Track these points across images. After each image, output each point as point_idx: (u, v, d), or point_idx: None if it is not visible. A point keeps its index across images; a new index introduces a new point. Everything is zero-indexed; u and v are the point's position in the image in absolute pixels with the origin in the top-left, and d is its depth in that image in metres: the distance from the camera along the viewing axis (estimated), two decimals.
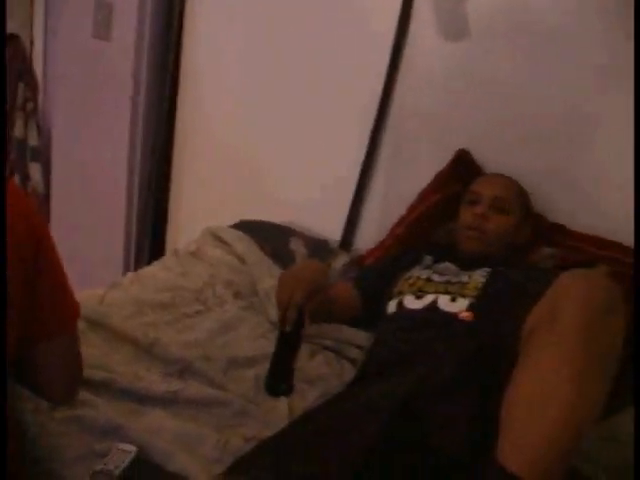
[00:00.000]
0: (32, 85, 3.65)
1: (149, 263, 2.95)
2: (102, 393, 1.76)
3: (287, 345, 1.83)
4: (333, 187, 2.82)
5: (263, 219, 2.84)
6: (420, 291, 2.02)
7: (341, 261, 2.61)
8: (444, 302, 1.93)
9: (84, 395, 1.72)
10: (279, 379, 1.81)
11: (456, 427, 1.43)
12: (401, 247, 2.45)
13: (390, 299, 2.09)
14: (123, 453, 1.56)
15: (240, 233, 2.69)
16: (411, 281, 2.09)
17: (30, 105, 3.63)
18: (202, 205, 3.23)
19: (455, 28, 2.47)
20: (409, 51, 2.57)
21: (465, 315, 1.87)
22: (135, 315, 2.10)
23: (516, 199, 2.23)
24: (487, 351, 1.55)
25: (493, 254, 2.16)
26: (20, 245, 1.24)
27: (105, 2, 3.07)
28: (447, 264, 2.15)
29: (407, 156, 2.66)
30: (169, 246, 3.38)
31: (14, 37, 3.59)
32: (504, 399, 1.38)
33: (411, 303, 1.99)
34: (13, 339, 1.27)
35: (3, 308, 1.20)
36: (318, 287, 1.92)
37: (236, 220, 2.85)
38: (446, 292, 1.97)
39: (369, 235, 2.74)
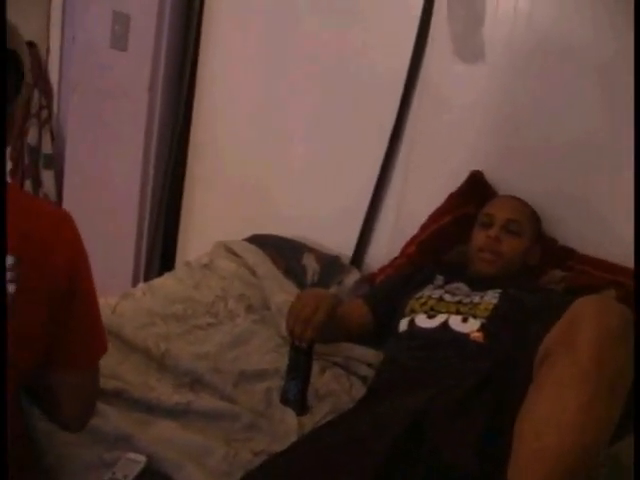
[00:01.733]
0: (47, 93, 3.67)
1: (159, 274, 2.96)
2: (113, 402, 1.77)
3: (303, 358, 1.84)
4: (346, 204, 2.82)
5: (275, 234, 2.85)
6: (432, 310, 2.02)
7: (352, 278, 2.62)
8: (456, 322, 1.94)
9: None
10: (296, 392, 1.82)
11: (468, 444, 1.43)
12: (412, 266, 2.45)
13: (401, 317, 2.09)
14: (132, 463, 1.57)
15: (253, 247, 2.70)
16: (423, 300, 2.10)
17: (44, 113, 3.64)
18: (214, 218, 3.24)
19: (470, 52, 2.48)
20: (425, 73, 2.58)
21: (476, 336, 1.88)
22: (147, 326, 2.11)
23: (528, 222, 2.25)
24: (500, 370, 1.55)
25: (505, 276, 2.17)
26: (57, 271, 1.23)
27: (123, 13, 3.08)
28: (459, 284, 2.16)
29: (420, 176, 2.67)
30: (179, 258, 3.38)
31: (30, 44, 3.61)
32: (517, 418, 1.39)
33: (423, 322, 2.00)
34: (31, 361, 1.26)
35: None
36: (335, 308, 1.94)
37: (247, 234, 2.86)
38: (458, 312, 1.98)
39: (380, 253, 2.75)
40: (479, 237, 2.23)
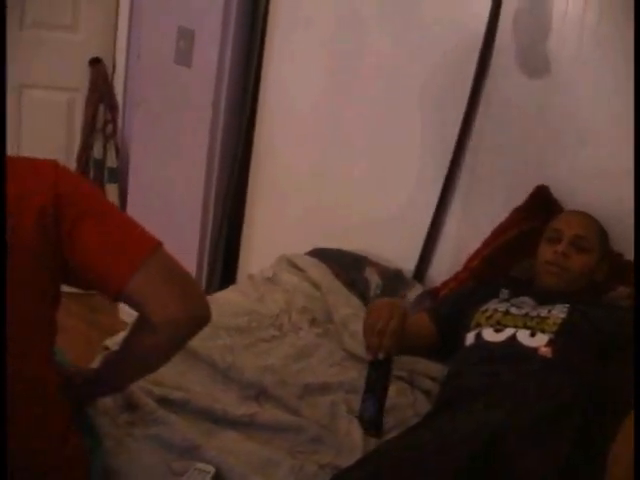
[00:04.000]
0: (112, 108, 3.75)
1: (220, 288, 2.98)
2: (179, 412, 1.79)
3: (380, 373, 1.83)
4: (408, 217, 2.81)
5: (337, 247, 2.85)
6: (499, 324, 2.01)
7: (415, 292, 2.61)
8: (523, 336, 1.92)
9: (161, 413, 1.75)
10: (373, 409, 1.80)
11: (550, 471, 1.39)
12: (476, 280, 2.43)
13: (467, 331, 2.08)
14: (201, 473, 1.58)
15: (315, 260, 2.71)
16: (488, 314, 2.08)
17: (110, 127, 3.72)
18: (275, 232, 3.25)
19: (536, 65, 2.46)
20: (489, 85, 2.57)
21: (545, 351, 1.86)
22: (212, 337, 2.12)
23: (596, 238, 2.22)
24: (590, 395, 1.50)
25: (571, 291, 2.15)
26: (38, 209, 1.29)
27: (187, 29, 3.12)
28: (525, 298, 2.14)
29: (483, 189, 2.65)
30: (241, 272, 3.40)
31: (97, 60, 3.69)
32: (613, 448, 1.33)
33: (490, 336, 1.98)
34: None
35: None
36: (407, 316, 1.94)
37: (309, 248, 2.86)
38: (525, 326, 1.96)
39: (442, 267, 2.73)
40: (547, 252, 2.21)
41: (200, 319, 1.43)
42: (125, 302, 1.39)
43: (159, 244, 1.40)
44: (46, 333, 1.38)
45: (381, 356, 1.82)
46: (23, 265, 1.27)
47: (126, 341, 1.52)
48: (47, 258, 1.31)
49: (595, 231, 2.24)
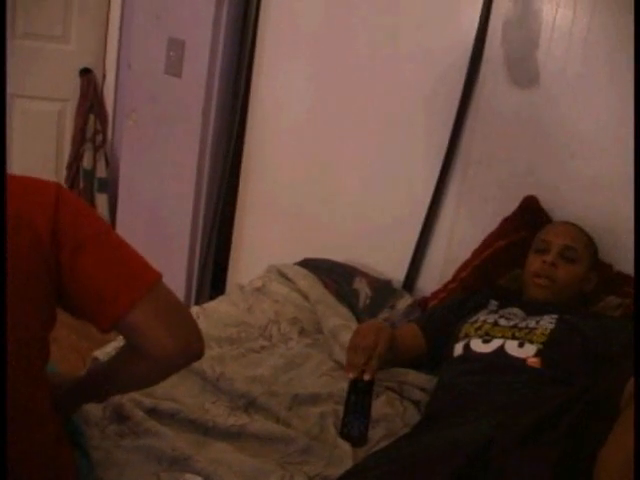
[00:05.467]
0: (102, 118, 3.75)
1: (210, 298, 2.98)
2: (168, 423, 1.79)
3: (366, 395, 1.83)
4: (397, 228, 2.82)
5: (327, 258, 2.85)
6: (487, 335, 2.01)
7: (404, 302, 2.61)
8: (512, 347, 1.92)
9: (150, 424, 1.75)
10: (361, 427, 1.80)
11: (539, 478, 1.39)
12: (465, 290, 2.44)
13: (455, 342, 2.08)
14: None
15: (305, 271, 2.71)
16: (477, 325, 2.08)
17: (100, 137, 3.72)
18: (265, 242, 3.26)
19: (525, 76, 2.48)
20: (478, 96, 2.58)
21: (533, 361, 1.86)
22: None
23: (585, 249, 2.23)
24: (577, 404, 1.50)
25: (560, 301, 2.16)
26: (37, 230, 1.27)
27: (178, 40, 3.13)
28: (513, 309, 2.16)
29: (473, 200, 2.66)
30: (230, 282, 3.40)
31: (87, 71, 3.69)
32: (600, 457, 1.31)
33: (478, 347, 1.98)
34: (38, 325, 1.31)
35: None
36: (394, 339, 1.97)
37: (299, 258, 2.86)
38: (513, 337, 1.96)
39: (432, 277, 2.74)
40: (535, 262, 2.22)
41: (194, 355, 1.43)
42: (118, 332, 1.38)
43: (159, 277, 1.38)
44: (38, 354, 1.37)
45: (367, 377, 1.82)
46: (15, 285, 1.26)
47: (114, 363, 1.51)
48: (42, 280, 1.29)
49: (583, 242, 2.24)
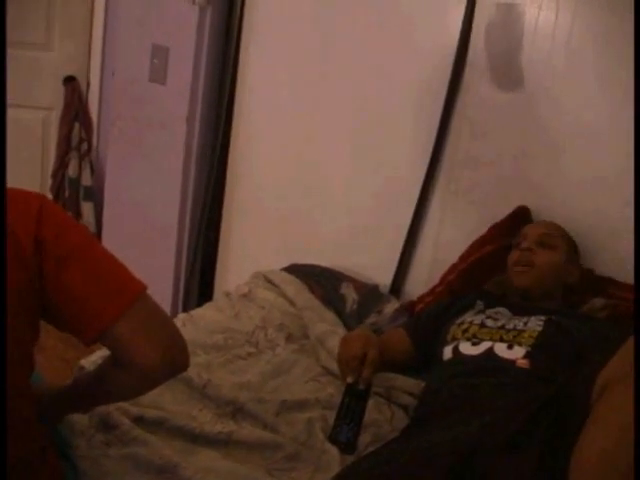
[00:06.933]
0: (87, 126, 3.74)
1: (198, 304, 2.97)
2: (155, 431, 1.78)
3: (361, 401, 1.83)
4: (384, 233, 2.83)
5: (313, 263, 2.85)
6: (475, 337, 2.01)
7: (391, 307, 2.61)
8: (501, 349, 1.92)
9: (137, 432, 1.73)
10: (349, 434, 1.80)
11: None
12: (452, 294, 2.44)
13: (443, 345, 2.08)
14: None
15: (291, 276, 2.70)
16: (464, 327, 2.08)
17: (84, 145, 3.71)
18: (251, 248, 3.25)
19: (508, 77, 2.48)
20: (463, 99, 2.58)
21: (522, 362, 1.86)
22: None
23: (562, 238, 2.26)
24: (554, 403, 1.51)
25: (542, 292, 2.18)
26: (20, 242, 1.26)
27: (162, 46, 3.12)
28: (500, 308, 2.16)
29: (459, 203, 2.66)
30: (217, 288, 3.39)
31: (71, 78, 3.68)
32: (574, 455, 1.31)
33: (467, 349, 1.98)
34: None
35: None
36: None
37: (285, 264, 2.86)
38: (501, 340, 1.96)
39: (419, 282, 2.74)
40: (514, 254, 2.26)
41: (178, 367, 1.42)
42: (102, 344, 1.37)
43: (143, 289, 1.37)
44: (23, 366, 1.36)
45: (362, 386, 1.84)
46: None
47: (98, 374, 1.49)
48: (26, 293, 1.28)
49: (560, 232, 2.28)
